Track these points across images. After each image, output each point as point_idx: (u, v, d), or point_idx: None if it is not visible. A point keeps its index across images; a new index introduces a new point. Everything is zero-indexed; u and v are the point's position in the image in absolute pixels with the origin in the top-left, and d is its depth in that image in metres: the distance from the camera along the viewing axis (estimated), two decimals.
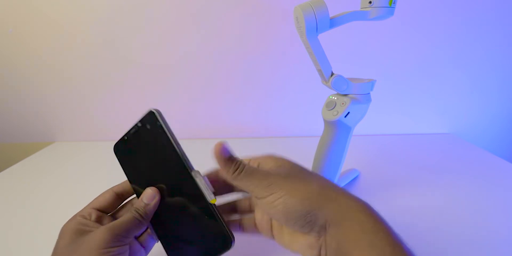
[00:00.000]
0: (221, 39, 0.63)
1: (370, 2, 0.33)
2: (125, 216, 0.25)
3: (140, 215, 0.26)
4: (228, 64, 0.66)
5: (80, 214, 0.26)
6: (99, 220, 0.27)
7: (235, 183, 0.24)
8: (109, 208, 0.28)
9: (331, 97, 0.40)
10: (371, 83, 0.38)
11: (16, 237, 0.40)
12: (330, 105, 0.39)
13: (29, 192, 0.51)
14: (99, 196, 0.29)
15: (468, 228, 0.40)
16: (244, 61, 0.66)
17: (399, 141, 0.73)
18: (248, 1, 0.60)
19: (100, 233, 0.23)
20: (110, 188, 0.29)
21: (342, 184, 0.50)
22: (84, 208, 0.28)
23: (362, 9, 0.34)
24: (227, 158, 0.23)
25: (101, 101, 0.70)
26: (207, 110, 0.72)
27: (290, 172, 0.24)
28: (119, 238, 0.24)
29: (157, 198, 0.26)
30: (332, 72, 0.37)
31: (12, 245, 0.38)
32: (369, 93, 0.39)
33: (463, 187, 0.51)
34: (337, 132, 0.40)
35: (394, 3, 0.33)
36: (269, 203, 0.22)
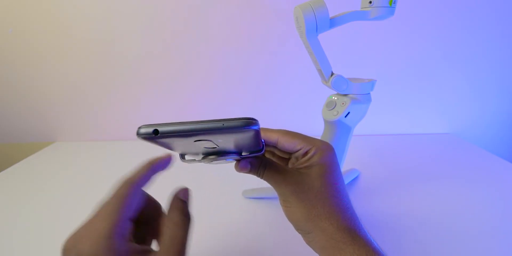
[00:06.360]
0: (218, 39, 0.63)
1: (370, 2, 0.33)
2: (181, 231, 0.21)
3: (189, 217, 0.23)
4: (226, 64, 0.66)
5: (118, 231, 0.19)
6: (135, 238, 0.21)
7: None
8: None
9: (331, 97, 0.40)
10: (371, 83, 0.38)
11: (17, 237, 0.39)
12: (330, 105, 0.39)
13: (30, 192, 0.51)
14: (127, 198, 0.21)
15: (468, 228, 0.40)
16: (244, 60, 0.66)
17: (399, 141, 0.73)
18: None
19: None
20: (138, 187, 0.22)
21: None
22: (114, 218, 0.19)
23: (362, 9, 0.34)
24: (249, 171, 0.24)
25: (101, 101, 0.70)
26: (206, 110, 0.72)
27: (314, 184, 0.23)
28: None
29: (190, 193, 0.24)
30: (332, 72, 0.37)
31: (12, 245, 0.38)
32: (369, 93, 0.39)
33: (463, 186, 0.51)
34: (337, 132, 0.40)
35: (394, 3, 0.33)
36: (279, 200, 0.25)
